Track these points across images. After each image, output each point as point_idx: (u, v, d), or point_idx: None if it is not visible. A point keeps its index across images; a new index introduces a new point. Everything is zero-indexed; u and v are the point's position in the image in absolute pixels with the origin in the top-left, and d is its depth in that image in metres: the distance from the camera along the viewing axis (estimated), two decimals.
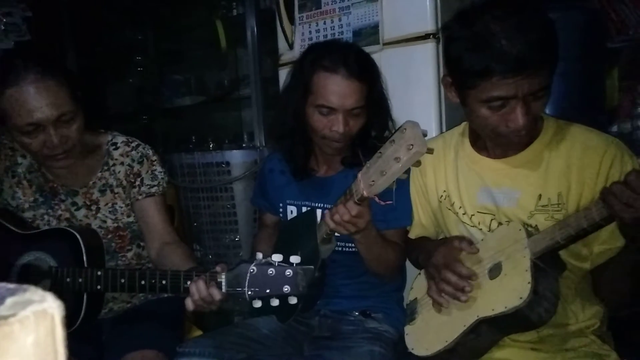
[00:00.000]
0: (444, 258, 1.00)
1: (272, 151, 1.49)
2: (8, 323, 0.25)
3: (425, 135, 0.84)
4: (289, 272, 0.90)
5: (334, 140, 1.19)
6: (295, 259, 0.91)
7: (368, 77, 1.18)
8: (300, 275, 0.90)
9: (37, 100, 1.07)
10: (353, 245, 1.19)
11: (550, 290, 0.88)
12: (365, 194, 0.94)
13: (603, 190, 0.81)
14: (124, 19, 2.93)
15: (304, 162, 1.30)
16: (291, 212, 1.34)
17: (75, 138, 1.16)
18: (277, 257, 0.92)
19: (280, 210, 1.37)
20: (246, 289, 0.92)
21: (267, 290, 0.91)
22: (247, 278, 0.91)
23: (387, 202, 0.96)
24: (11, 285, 0.27)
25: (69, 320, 1.11)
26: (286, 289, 0.90)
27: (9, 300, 0.26)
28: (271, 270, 0.91)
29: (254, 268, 0.91)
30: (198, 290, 0.97)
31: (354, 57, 1.18)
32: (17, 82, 1.07)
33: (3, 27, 2.52)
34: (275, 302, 0.92)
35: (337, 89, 1.14)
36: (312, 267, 0.92)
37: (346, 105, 1.15)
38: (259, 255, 0.93)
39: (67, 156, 1.17)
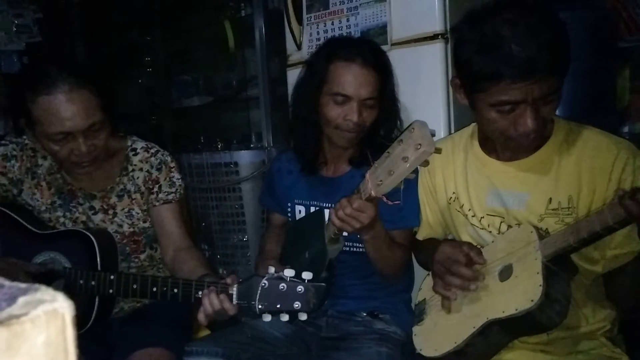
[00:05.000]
0: (450, 253, 0.99)
1: (280, 151, 1.49)
2: (20, 322, 0.25)
3: (433, 135, 0.84)
4: (300, 288, 0.90)
5: (347, 131, 1.19)
6: (307, 275, 0.92)
7: (383, 70, 1.21)
8: (312, 292, 0.90)
9: (69, 110, 1.09)
10: (361, 245, 1.19)
11: (562, 294, 0.87)
12: (373, 193, 0.93)
13: (620, 195, 0.80)
14: (132, 20, 2.95)
15: (314, 156, 1.30)
16: (299, 211, 1.34)
17: (102, 146, 1.18)
18: (289, 273, 0.92)
19: (289, 210, 1.37)
20: (257, 302, 0.92)
21: (278, 305, 0.91)
22: (259, 292, 0.92)
23: (395, 202, 0.96)
24: (23, 285, 0.27)
25: (81, 321, 1.12)
26: (297, 305, 0.90)
27: (21, 300, 0.26)
28: (283, 286, 0.91)
29: (266, 282, 0.92)
30: (212, 305, 0.98)
31: (370, 48, 1.21)
32: (51, 91, 1.08)
33: (15, 29, 2.55)
34: (285, 317, 0.93)
35: (353, 77, 1.16)
36: (323, 284, 0.92)
37: (361, 95, 1.16)
38: (271, 270, 0.94)
39: (91, 163, 1.19)
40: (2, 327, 0.24)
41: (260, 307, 0.92)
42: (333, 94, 1.17)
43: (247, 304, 0.94)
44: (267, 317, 0.93)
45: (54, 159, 1.24)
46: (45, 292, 0.27)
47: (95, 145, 1.16)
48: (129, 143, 1.31)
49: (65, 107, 1.09)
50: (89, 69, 1.20)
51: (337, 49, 1.20)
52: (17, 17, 2.56)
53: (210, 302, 0.97)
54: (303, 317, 0.92)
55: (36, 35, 2.61)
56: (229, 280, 0.99)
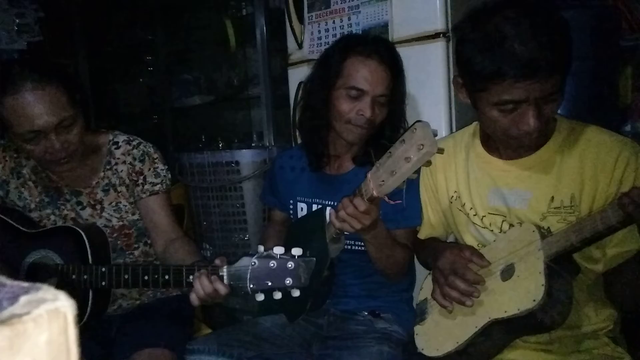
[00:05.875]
0: (451, 263, 0.98)
1: (282, 149, 1.49)
2: (22, 321, 0.25)
3: (435, 135, 0.83)
4: (290, 264, 0.89)
5: (359, 126, 1.20)
6: (296, 251, 0.91)
7: (396, 69, 1.22)
8: (302, 267, 0.89)
9: (36, 107, 1.08)
10: (362, 244, 1.19)
11: (564, 293, 0.87)
12: (374, 193, 0.93)
13: (620, 196, 0.80)
14: (134, 19, 2.95)
15: (322, 150, 1.30)
16: (301, 209, 1.34)
17: (76, 142, 1.17)
18: (278, 250, 0.91)
19: (291, 207, 1.37)
20: (248, 282, 0.91)
21: (269, 283, 0.90)
22: (249, 271, 0.91)
23: (397, 202, 0.96)
24: (25, 284, 0.27)
25: (76, 317, 1.11)
26: (288, 281, 0.89)
27: (23, 299, 0.26)
28: (272, 263, 0.90)
29: (255, 261, 0.91)
30: (203, 287, 0.97)
31: (386, 47, 1.23)
32: (16, 91, 1.07)
33: (16, 28, 2.55)
34: (277, 295, 0.92)
35: (369, 72, 1.17)
36: (313, 258, 0.91)
37: (376, 91, 1.17)
38: (261, 248, 0.93)
39: (69, 160, 1.18)
40: (4, 326, 0.24)
41: (251, 286, 0.91)
42: (348, 88, 1.18)
43: (239, 285, 0.94)
44: (260, 296, 0.92)
45: (33, 159, 1.23)
46: (47, 291, 0.27)
47: (69, 141, 1.15)
48: (111, 137, 1.31)
49: (32, 106, 1.07)
50: (55, 65, 1.18)
51: (353, 45, 1.21)
52: (19, 17, 2.57)
53: (202, 285, 0.96)
54: (296, 293, 0.91)
55: (38, 34, 2.61)
56: (218, 262, 0.98)
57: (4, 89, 1.08)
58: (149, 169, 1.29)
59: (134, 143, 1.30)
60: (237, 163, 2.12)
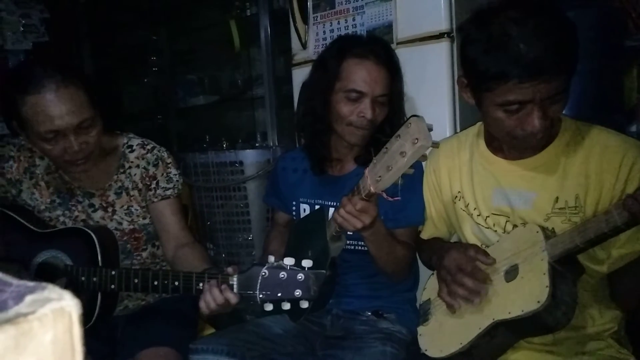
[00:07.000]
0: (457, 261, 0.98)
1: (285, 150, 1.49)
2: (27, 320, 0.25)
3: (430, 129, 0.83)
4: (300, 276, 0.90)
5: (361, 127, 1.19)
6: (307, 263, 0.91)
7: (393, 68, 1.22)
8: (312, 279, 0.90)
9: (58, 107, 1.08)
10: (365, 244, 1.19)
11: (569, 294, 0.86)
12: (372, 189, 0.93)
13: (625, 197, 0.80)
14: (138, 20, 2.96)
15: (325, 154, 1.30)
16: (304, 210, 1.34)
17: (94, 144, 1.17)
18: (289, 261, 0.92)
19: (294, 208, 1.37)
20: (258, 292, 0.92)
21: (279, 294, 0.91)
22: (259, 281, 0.92)
23: (395, 198, 0.95)
24: (30, 283, 0.28)
25: (84, 318, 1.11)
26: (297, 293, 0.90)
27: (28, 298, 0.26)
28: (283, 274, 0.91)
29: (266, 271, 0.92)
30: (213, 297, 0.97)
31: (381, 46, 1.23)
32: (38, 90, 1.07)
33: (22, 29, 2.57)
34: (286, 306, 0.93)
35: (367, 74, 1.17)
36: (323, 271, 0.92)
37: (375, 91, 1.17)
38: (271, 259, 0.94)
39: (86, 161, 1.18)
40: (10, 326, 0.24)
41: (261, 296, 0.92)
42: (347, 91, 1.18)
43: (248, 294, 0.94)
44: (269, 307, 0.93)
45: (49, 159, 1.24)
46: (53, 291, 0.27)
47: (87, 142, 1.15)
48: (125, 140, 1.31)
49: (54, 106, 1.08)
50: (76, 67, 1.19)
51: (349, 46, 1.21)
52: (24, 17, 2.58)
53: (212, 295, 0.97)
54: (304, 304, 0.92)
55: (43, 34, 2.63)
56: (230, 270, 0.99)
57: (26, 87, 1.08)
58: (162, 174, 1.29)
59: (148, 147, 1.31)
60: (240, 163, 2.13)
